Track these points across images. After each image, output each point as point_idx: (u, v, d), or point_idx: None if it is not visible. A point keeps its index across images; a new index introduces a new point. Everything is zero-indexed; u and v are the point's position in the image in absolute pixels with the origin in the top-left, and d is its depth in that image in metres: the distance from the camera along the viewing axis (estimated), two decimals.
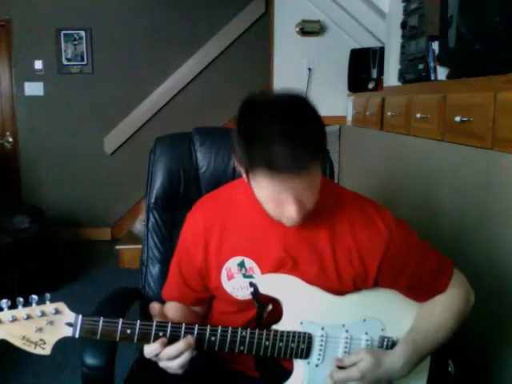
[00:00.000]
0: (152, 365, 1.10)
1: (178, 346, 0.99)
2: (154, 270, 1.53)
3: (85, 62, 4.40)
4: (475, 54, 1.75)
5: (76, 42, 4.37)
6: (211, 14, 4.42)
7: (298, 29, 3.64)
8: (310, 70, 3.61)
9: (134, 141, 4.52)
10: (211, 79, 4.52)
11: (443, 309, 1.12)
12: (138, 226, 4.07)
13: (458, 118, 1.69)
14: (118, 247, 3.89)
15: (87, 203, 4.51)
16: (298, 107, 0.96)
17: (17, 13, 4.29)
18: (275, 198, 0.97)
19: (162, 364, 1.02)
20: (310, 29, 3.60)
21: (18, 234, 3.20)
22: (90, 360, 1.14)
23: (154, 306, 1.04)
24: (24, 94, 4.40)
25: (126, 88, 4.44)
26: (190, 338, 1.00)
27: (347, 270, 1.09)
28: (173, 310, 1.18)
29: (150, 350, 1.00)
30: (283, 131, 0.90)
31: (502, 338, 1.48)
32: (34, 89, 4.39)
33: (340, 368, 1.07)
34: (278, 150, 0.89)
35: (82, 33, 4.35)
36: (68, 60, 4.39)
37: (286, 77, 3.56)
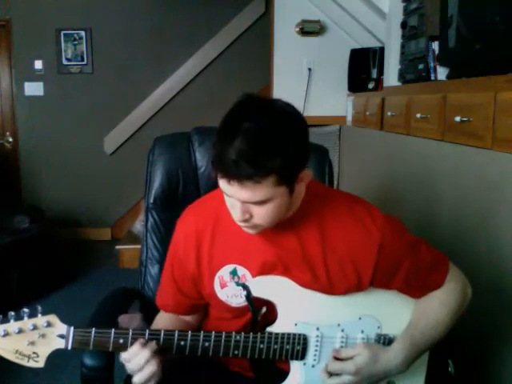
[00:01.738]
0: None
1: (144, 353, 0.98)
2: (154, 270, 1.53)
3: (85, 62, 4.40)
4: (475, 54, 1.75)
5: (76, 42, 4.37)
6: (211, 14, 4.42)
7: (297, 29, 3.64)
8: (310, 70, 3.60)
9: (134, 141, 4.52)
10: (211, 79, 4.52)
11: (441, 304, 1.12)
12: (138, 226, 4.07)
13: (458, 118, 1.69)
14: (117, 247, 3.89)
15: (87, 203, 4.51)
16: (270, 121, 0.93)
17: (17, 13, 4.29)
18: (227, 198, 0.99)
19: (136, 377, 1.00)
20: (310, 29, 3.60)
21: (18, 234, 3.20)
22: (90, 361, 1.14)
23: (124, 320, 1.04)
24: (24, 94, 4.40)
25: (125, 88, 4.44)
26: (153, 344, 1.00)
27: (340, 280, 1.08)
28: (166, 320, 1.18)
29: (125, 355, 0.99)
30: (237, 142, 0.90)
31: (500, 335, 1.48)
32: (34, 89, 4.39)
33: (336, 360, 1.07)
34: (224, 156, 0.90)
35: (82, 33, 4.35)
36: (68, 60, 4.39)
37: (285, 77, 3.56)
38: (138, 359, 0.98)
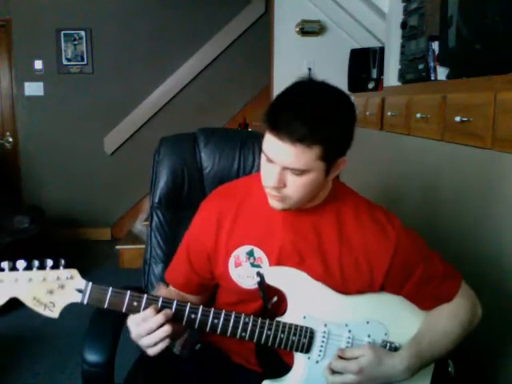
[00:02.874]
0: (152, 365, 1.10)
1: (158, 317, 1.00)
2: (157, 269, 1.53)
3: (85, 62, 4.40)
4: (475, 54, 1.75)
5: (76, 42, 4.37)
6: (211, 13, 4.42)
7: (297, 29, 3.64)
8: (310, 70, 3.61)
9: (134, 141, 4.52)
10: (211, 79, 4.52)
11: (450, 316, 1.13)
12: (138, 226, 4.08)
13: (458, 118, 1.69)
14: (118, 247, 3.90)
15: (87, 203, 4.51)
16: (332, 97, 1.02)
17: (17, 13, 4.29)
18: (266, 163, 1.02)
19: (142, 341, 1.02)
20: (310, 29, 3.61)
21: (18, 234, 3.20)
22: (91, 356, 1.15)
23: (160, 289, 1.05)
24: (24, 94, 4.40)
25: (125, 88, 4.44)
26: (169, 311, 1.02)
27: (353, 278, 1.10)
28: (173, 295, 1.18)
29: (138, 316, 1.01)
30: (298, 105, 0.97)
31: (501, 335, 1.48)
32: (34, 89, 4.39)
33: (341, 358, 1.07)
34: (283, 114, 0.97)
35: (82, 33, 4.35)
36: (68, 60, 4.39)
37: (285, 77, 3.55)
38: (149, 322, 1.00)
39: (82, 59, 4.40)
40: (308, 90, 1.02)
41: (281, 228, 1.11)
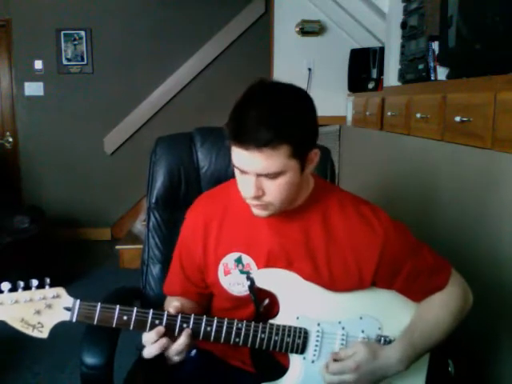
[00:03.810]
0: (151, 366, 1.10)
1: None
2: (155, 269, 1.53)
3: (85, 62, 4.40)
4: (475, 54, 1.75)
5: (76, 42, 4.37)
6: (211, 13, 4.42)
7: (297, 29, 3.65)
8: (310, 70, 3.61)
9: (133, 141, 4.52)
10: (211, 79, 4.51)
11: (441, 305, 1.12)
12: (138, 226, 4.08)
13: (457, 118, 1.69)
14: (117, 247, 3.89)
15: (87, 203, 4.51)
16: (286, 95, 1.01)
17: (17, 13, 4.29)
18: (240, 175, 1.02)
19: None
20: (310, 29, 3.61)
21: (18, 234, 3.20)
22: (89, 359, 1.14)
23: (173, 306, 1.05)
24: (24, 94, 4.40)
25: (126, 88, 4.44)
26: (161, 328, 1.02)
27: (342, 276, 1.09)
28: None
29: (146, 338, 1.02)
30: (255, 110, 0.96)
31: (501, 334, 1.48)
32: (34, 89, 4.38)
33: (336, 361, 1.07)
34: (242, 123, 0.95)
35: (82, 33, 4.35)
36: (68, 60, 4.39)
37: (285, 77, 3.54)
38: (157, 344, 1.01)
39: (82, 59, 4.39)
40: (261, 92, 1.00)
41: (267, 232, 1.11)
